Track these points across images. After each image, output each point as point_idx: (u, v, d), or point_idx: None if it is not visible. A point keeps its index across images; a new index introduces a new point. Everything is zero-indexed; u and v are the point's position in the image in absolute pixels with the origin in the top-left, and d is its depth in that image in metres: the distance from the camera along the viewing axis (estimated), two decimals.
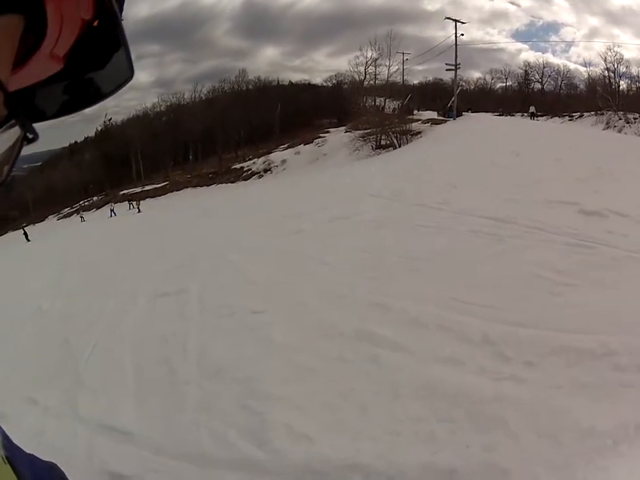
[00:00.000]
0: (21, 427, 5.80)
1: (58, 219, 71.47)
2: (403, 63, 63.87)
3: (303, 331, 6.56)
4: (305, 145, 60.60)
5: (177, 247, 14.38)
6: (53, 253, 23.03)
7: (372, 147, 49.41)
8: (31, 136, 0.45)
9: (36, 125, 0.46)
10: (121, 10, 0.49)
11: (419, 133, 46.45)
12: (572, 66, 76.67)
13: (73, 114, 0.56)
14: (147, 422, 5.38)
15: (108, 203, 67.47)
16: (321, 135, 62.27)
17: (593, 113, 51.74)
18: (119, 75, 0.54)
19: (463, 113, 51.72)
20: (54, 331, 9.34)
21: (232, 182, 58.96)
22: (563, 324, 5.45)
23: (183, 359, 6.54)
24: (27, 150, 0.48)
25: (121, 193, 69.41)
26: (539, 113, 54.55)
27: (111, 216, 53.58)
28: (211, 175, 64.40)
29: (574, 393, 4.41)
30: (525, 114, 59.88)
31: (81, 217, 61.06)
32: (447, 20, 57.00)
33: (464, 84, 69.92)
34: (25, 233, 51.16)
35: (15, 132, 0.44)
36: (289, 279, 8.74)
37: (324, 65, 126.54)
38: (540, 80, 77.22)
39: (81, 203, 75.61)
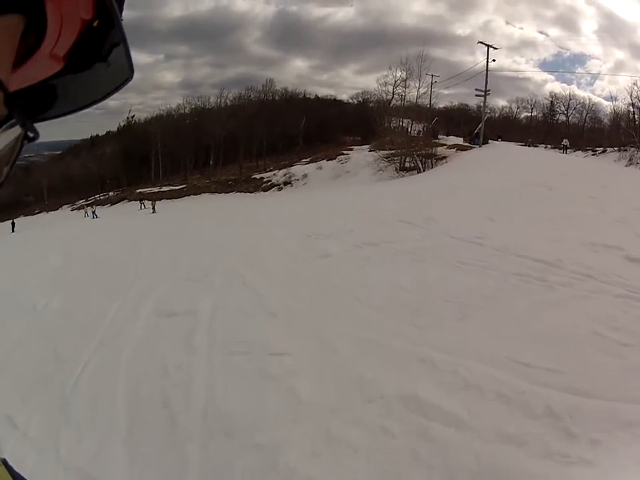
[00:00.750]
0: None
1: (72, 210, 70.97)
2: (431, 86, 63.17)
3: (335, 387, 5.42)
4: (327, 160, 60.11)
5: (189, 256, 13.30)
6: (55, 244, 22.05)
7: (396, 168, 48.61)
8: (31, 135, 0.46)
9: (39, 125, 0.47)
10: (121, 10, 0.49)
11: (444, 157, 45.69)
12: (596, 99, 76.21)
13: (74, 113, 0.55)
14: None
15: (123, 200, 67.32)
16: (344, 151, 61.79)
17: (616, 148, 50.88)
18: (119, 75, 0.53)
19: (490, 141, 50.79)
20: (45, 337, 8.37)
21: (251, 192, 58.51)
22: (626, 392, 4.82)
23: (186, 405, 5.43)
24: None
25: (138, 191, 68.89)
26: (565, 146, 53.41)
27: (93, 218, 52.41)
28: (230, 183, 63.93)
29: None
30: (549, 146, 59.11)
31: (85, 213, 59.27)
32: (476, 46, 56.63)
33: (489, 111, 69.12)
34: (13, 223, 51.19)
35: (15, 131, 0.44)
36: (314, 313, 7.61)
37: (351, 81, 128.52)
38: (565, 112, 76.51)
39: (96, 196, 75.35)
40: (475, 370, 5.42)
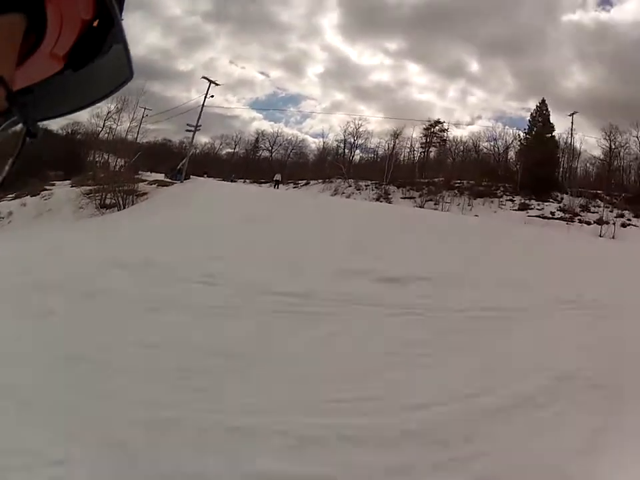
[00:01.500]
0: None
1: None
2: (141, 120, 61.21)
3: None
4: (31, 196, 55.13)
5: None
6: None
7: (97, 205, 46.03)
8: (33, 132, 0.46)
9: None
10: (121, 10, 0.48)
11: (145, 194, 44.39)
12: (303, 136, 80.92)
13: (74, 113, 0.56)
14: None
15: None
16: (47, 187, 57.30)
17: (320, 180, 54.44)
18: (118, 76, 0.52)
19: (192, 177, 50.80)
20: None
21: None
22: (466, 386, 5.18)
23: None
24: None
25: None
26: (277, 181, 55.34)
27: None
28: None
29: None
30: (249, 180, 61.14)
31: None
32: (192, 83, 56.76)
33: (193, 148, 69.65)
34: None
35: (17, 129, 0.44)
36: (70, 395, 5.60)
37: None
38: (270, 148, 79.64)
39: None
40: (299, 422, 4.87)
